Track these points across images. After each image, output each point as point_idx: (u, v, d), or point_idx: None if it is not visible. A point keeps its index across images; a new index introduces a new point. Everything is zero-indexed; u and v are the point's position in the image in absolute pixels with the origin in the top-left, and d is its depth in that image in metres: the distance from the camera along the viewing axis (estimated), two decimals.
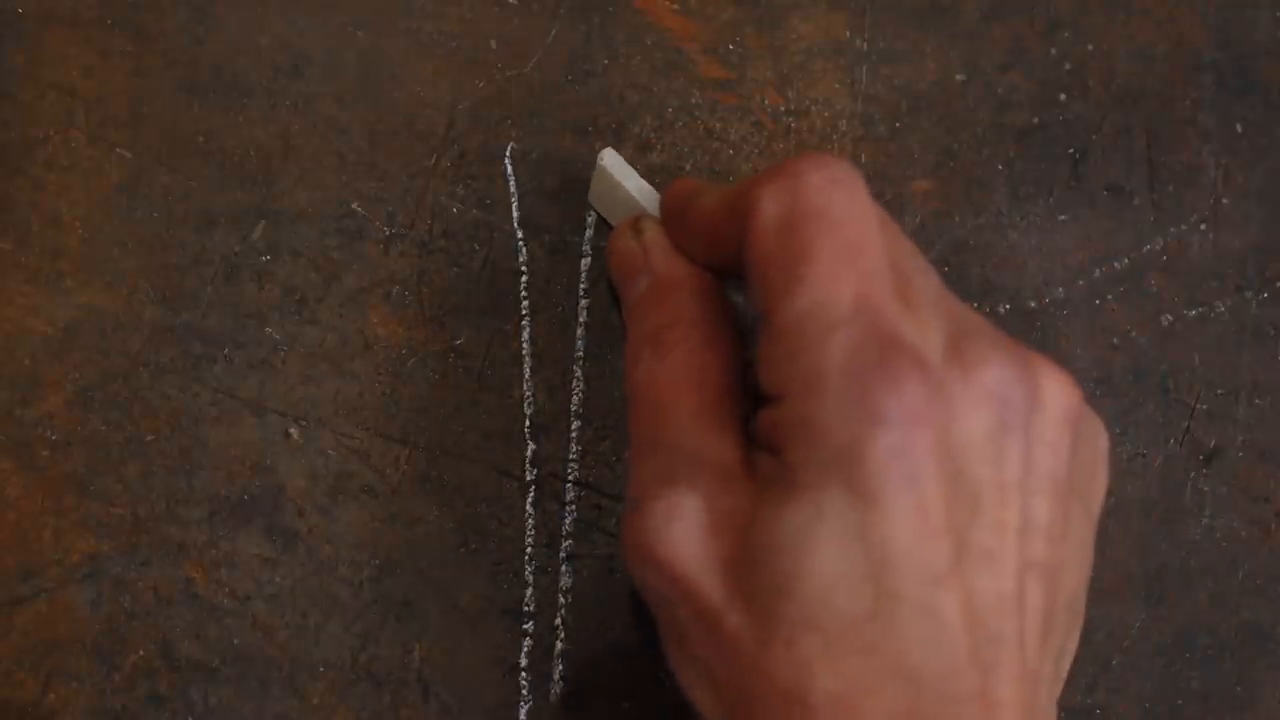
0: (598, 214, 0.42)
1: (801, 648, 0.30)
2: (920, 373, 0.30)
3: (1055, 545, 0.32)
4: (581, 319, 0.42)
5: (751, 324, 0.35)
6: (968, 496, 0.31)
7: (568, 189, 0.42)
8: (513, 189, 0.43)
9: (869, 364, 0.30)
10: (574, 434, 0.42)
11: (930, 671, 0.30)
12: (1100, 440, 0.34)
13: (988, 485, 0.31)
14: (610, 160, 0.40)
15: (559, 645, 0.42)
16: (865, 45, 0.43)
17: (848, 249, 0.32)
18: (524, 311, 0.42)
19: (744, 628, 0.31)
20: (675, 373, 0.34)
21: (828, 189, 0.32)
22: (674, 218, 0.37)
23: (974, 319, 0.33)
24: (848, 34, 0.43)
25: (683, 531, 0.32)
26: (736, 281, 0.36)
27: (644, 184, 0.40)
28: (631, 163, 0.42)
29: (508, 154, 0.43)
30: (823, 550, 0.30)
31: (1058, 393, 0.32)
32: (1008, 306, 0.43)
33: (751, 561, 0.31)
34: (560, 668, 0.42)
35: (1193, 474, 0.43)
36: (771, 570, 0.31)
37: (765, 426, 0.32)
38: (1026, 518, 0.31)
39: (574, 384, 0.42)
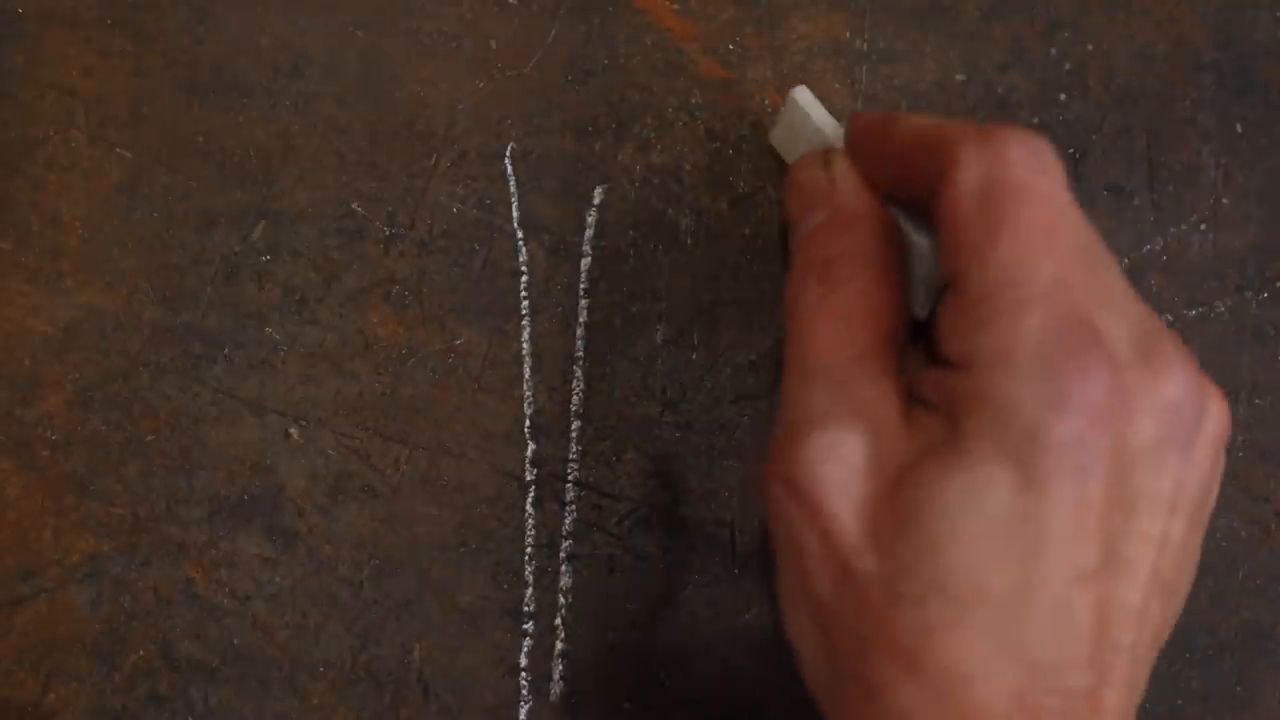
0: (782, 154, 0.41)
1: (932, 612, 0.30)
2: (1110, 367, 0.30)
3: (1180, 567, 0.32)
4: (581, 319, 0.42)
5: (928, 277, 0.34)
6: (1125, 502, 0.30)
7: (568, 189, 0.42)
8: (513, 189, 0.43)
9: (1063, 347, 0.30)
10: (574, 434, 0.42)
11: (1050, 663, 0.30)
12: (1221, 466, 0.34)
13: (1145, 495, 0.31)
14: (803, 96, 0.39)
15: (559, 645, 0.42)
16: (865, 45, 0.43)
17: (1048, 227, 0.31)
18: (524, 311, 0.42)
19: (877, 577, 0.31)
20: (844, 307, 0.33)
21: (1033, 165, 0.32)
22: (864, 144, 0.36)
23: (1156, 321, 0.33)
24: (848, 34, 0.43)
25: (836, 469, 0.32)
26: (918, 222, 0.35)
27: (834, 121, 0.38)
28: (631, 162, 0.42)
29: (508, 154, 0.43)
30: (981, 522, 0.30)
31: (1219, 415, 0.32)
32: None
33: (903, 515, 0.31)
34: (560, 668, 0.42)
35: None
36: (923, 529, 0.30)
37: (939, 387, 0.32)
38: (1166, 535, 0.31)
39: (574, 384, 0.42)
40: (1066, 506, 0.30)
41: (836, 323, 0.33)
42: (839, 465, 0.32)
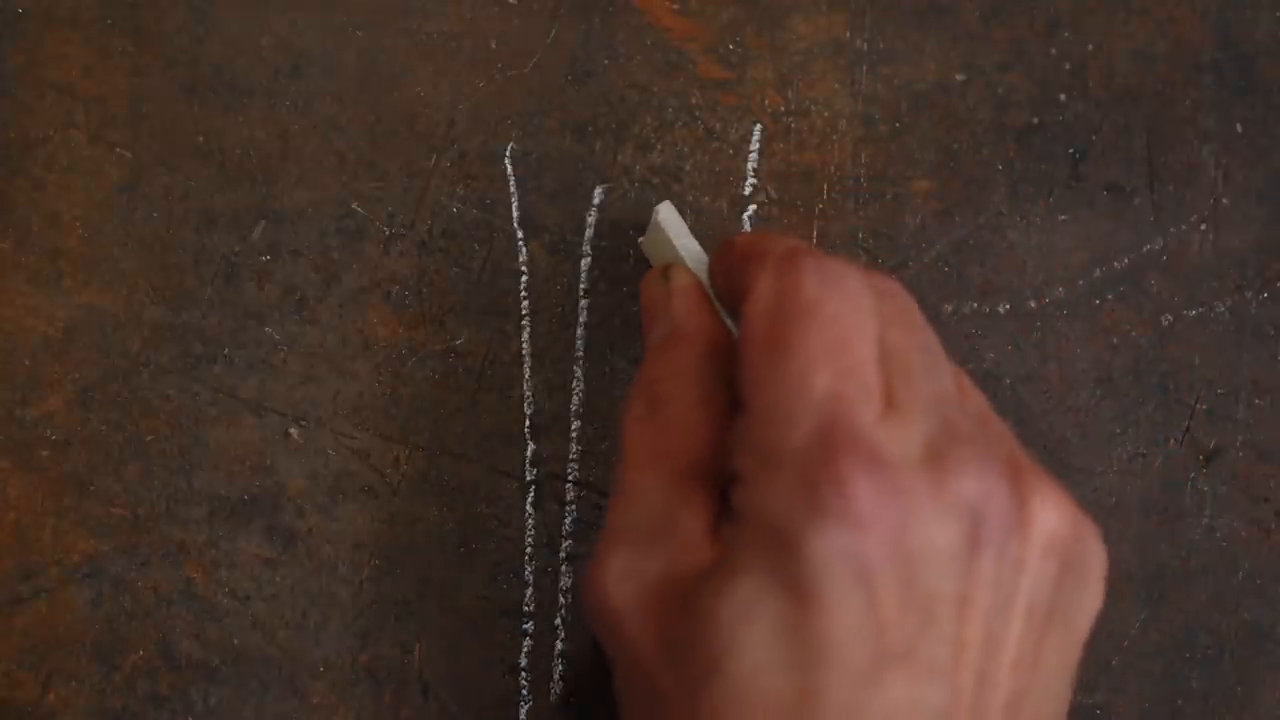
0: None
1: None
2: (874, 473, 0.30)
3: (1022, 671, 0.32)
4: (581, 319, 0.42)
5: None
6: (921, 606, 0.30)
7: (568, 189, 0.42)
8: (513, 189, 0.43)
9: (821, 459, 0.30)
10: (574, 434, 0.42)
11: None
12: (1094, 564, 0.33)
13: (947, 600, 0.30)
14: (665, 215, 0.39)
15: (559, 645, 0.42)
16: (865, 45, 0.43)
17: (830, 345, 0.31)
18: (524, 311, 0.42)
19: (678, 694, 0.31)
20: (661, 428, 0.34)
21: (821, 282, 0.32)
22: (714, 262, 0.37)
23: (978, 427, 0.32)
24: (848, 34, 0.43)
25: (632, 592, 0.32)
26: None
27: (695, 245, 0.39)
28: (631, 162, 0.42)
29: (508, 154, 0.43)
30: (755, 636, 0.30)
31: (1048, 517, 0.32)
32: (1008, 306, 0.43)
33: (689, 632, 0.31)
34: (560, 668, 0.42)
35: (1193, 474, 0.43)
36: (705, 644, 0.31)
37: (734, 500, 0.32)
38: (991, 639, 0.31)
39: (574, 384, 0.42)
40: (845, 613, 0.30)
41: (652, 442, 0.34)
42: (638, 585, 0.32)
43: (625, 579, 0.32)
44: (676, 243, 0.39)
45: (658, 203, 0.40)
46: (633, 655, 0.32)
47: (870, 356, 0.32)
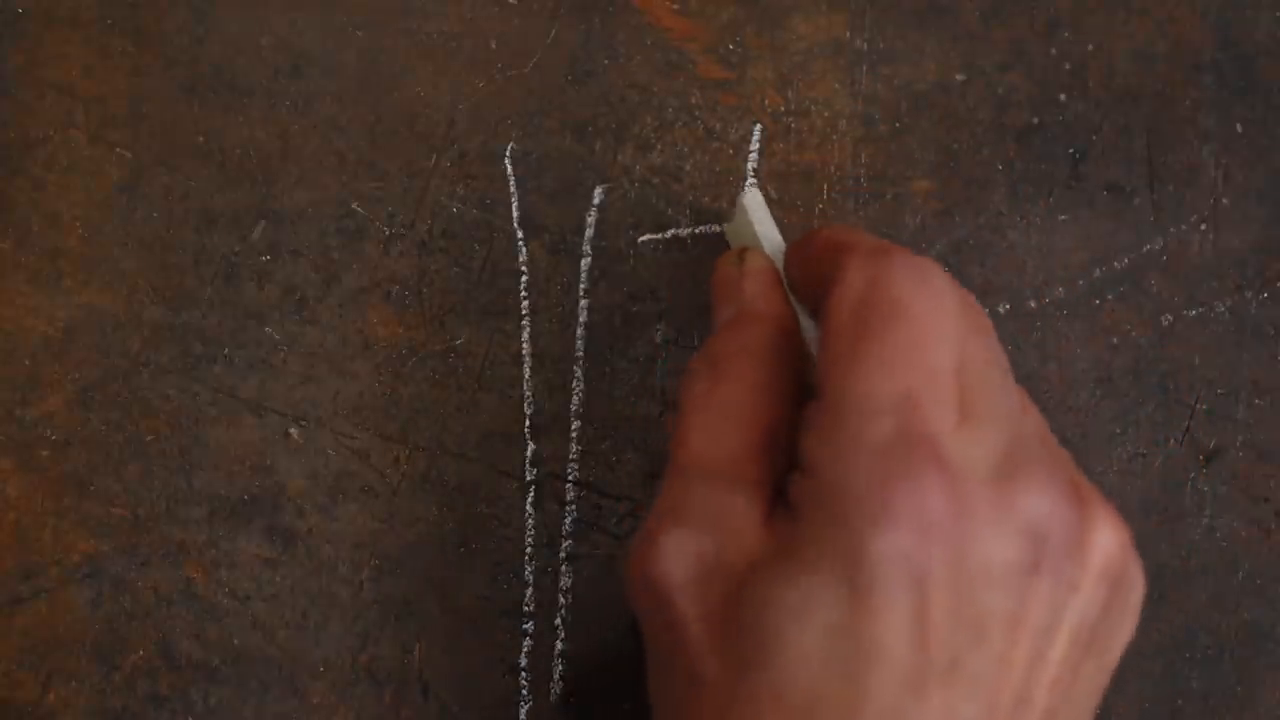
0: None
1: (765, 717, 0.30)
2: (946, 483, 0.30)
3: (1058, 692, 0.32)
4: (581, 319, 0.42)
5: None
6: (973, 622, 0.30)
7: (568, 189, 0.42)
8: (513, 189, 0.43)
9: (896, 462, 0.30)
10: (574, 434, 0.42)
11: None
12: (1136, 592, 0.33)
13: (999, 618, 0.30)
14: (750, 199, 0.39)
15: (559, 645, 0.42)
16: (865, 45, 0.43)
17: (913, 345, 0.31)
18: (524, 311, 0.42)
19: (720, 679, 0.31)
20: (723, 405, 0.34)
21: (912, 281, 0.32)
22: (792, 251, 0.37)
23: (1043, 450, 0.32)
24: (848, 34, 0.43)
25: (685, 573, 0.32)
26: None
27: (776, 234, 0.39)
28: (631, 162, 0.42)
29: (508, 154, 0.43)
30: (806, 632, 0.30)
31: (1106, 543, 0.32)
32: (1008, 306, 0.43)
33: (740, 620, 0.31)
34: (560, 668, 0.42)
35: (1193, 474, 0.43)
36: (755, 635, 0.30)
37: (794, 490, 0.32)
38: (1036, 659, 0.31)
39: (574, 384, 0.42)
40: (899, 619, 0.30)
41: (712, 420, 0.34)
42: (691, 566, 0.32)
43: (678, 556, 0.32)
44: (758, 229, 0.38)
45: (746, 188, 0.39)
46: (677, 635, 0.32)
47: (951, 363, 0.32)
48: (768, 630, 0.30)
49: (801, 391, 0.34)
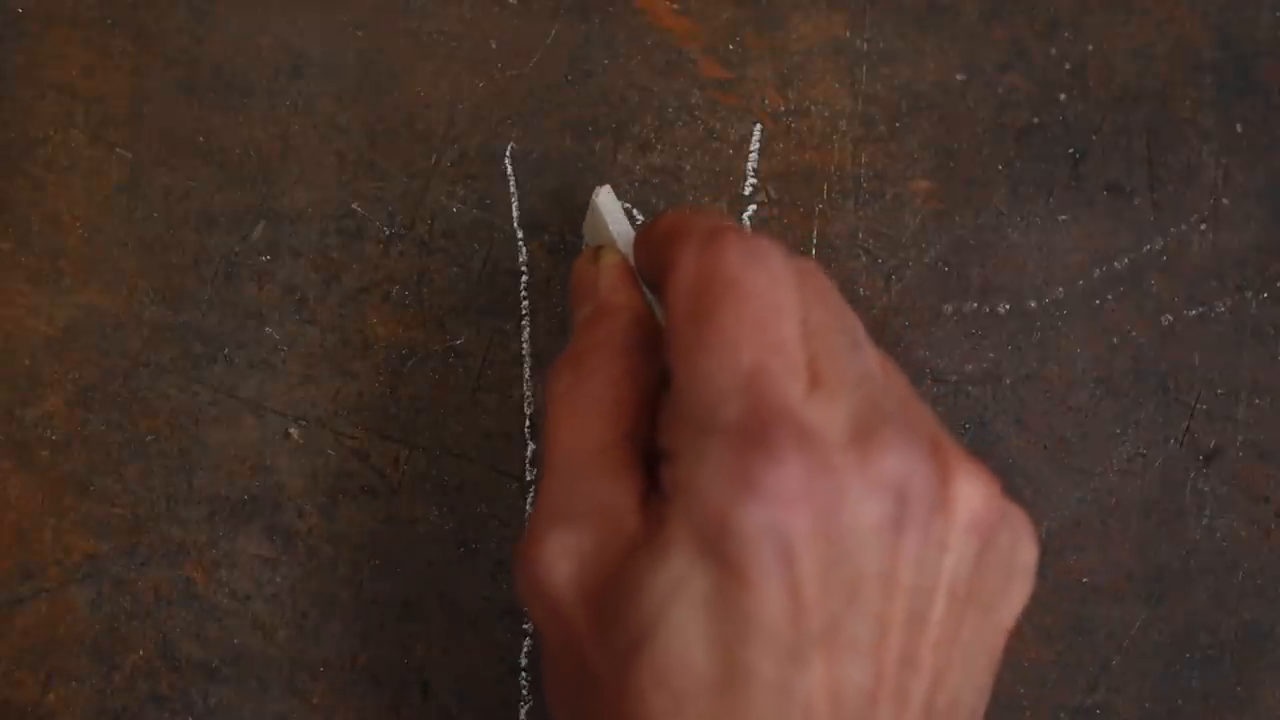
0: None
1: (654, 704, 0.30)
2: (805, 450, 0.30)
3: (942, 655, 0.32)
4: None
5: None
6: (846, 584, 0.30)
7: (568, 189, 0.42)
8: (513, 189, 0.43)
9: (751, 436, 0.30)
10: None
11: None
12: (1023, 550, 0.33)
13: (871, 578, 0.30)
14: (603, 199, 0.39)
15: None
16: (865, 45, 0.43)
17: (752, 321, 0.31)
18: (524, 311, 0.42)
19: (606, 671, 0.31)
20: (588, 399, 0.34)
21: (744, 259, 0.32)
22: (637, 242, 0.37)
23: (901, 407, 0.32)
24: (848, 34, 0.43)
25: (569, 570, 0.32)
26: None
27: (629, 229, 0.39)
28: (631, 163, 0.42)
29: (508, 154, 0.43)
30: (681, 613, 0.30)
31: (969, 497, 0.32)
32: (1008, 306, 0.43)
33: (617, 607, 0.31)
34: None
35: (1193, 474, 0.43)
36: (633, 619, 0.30)
37: (662, 476, 0.32)
38: (914, 618, 0.31)
39: None
40: (772, 591, 0.30)
41: (579, 415, 0.34)
42: (574, 562, 0.32)
43: (560, 554, 0.32)
44: (612, 227, 0.39)
45: (597, 188, 0.40)
46: (567, 635, 0.32)
47: (795, 333, 0.32)
48: (644, 615, 0.30)
49: (664, 377, 0.35)
